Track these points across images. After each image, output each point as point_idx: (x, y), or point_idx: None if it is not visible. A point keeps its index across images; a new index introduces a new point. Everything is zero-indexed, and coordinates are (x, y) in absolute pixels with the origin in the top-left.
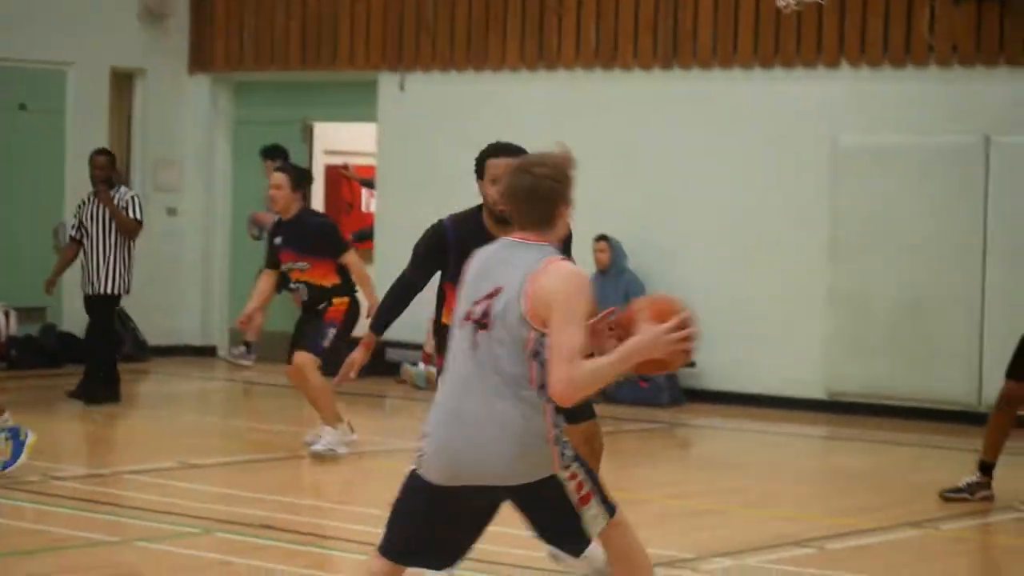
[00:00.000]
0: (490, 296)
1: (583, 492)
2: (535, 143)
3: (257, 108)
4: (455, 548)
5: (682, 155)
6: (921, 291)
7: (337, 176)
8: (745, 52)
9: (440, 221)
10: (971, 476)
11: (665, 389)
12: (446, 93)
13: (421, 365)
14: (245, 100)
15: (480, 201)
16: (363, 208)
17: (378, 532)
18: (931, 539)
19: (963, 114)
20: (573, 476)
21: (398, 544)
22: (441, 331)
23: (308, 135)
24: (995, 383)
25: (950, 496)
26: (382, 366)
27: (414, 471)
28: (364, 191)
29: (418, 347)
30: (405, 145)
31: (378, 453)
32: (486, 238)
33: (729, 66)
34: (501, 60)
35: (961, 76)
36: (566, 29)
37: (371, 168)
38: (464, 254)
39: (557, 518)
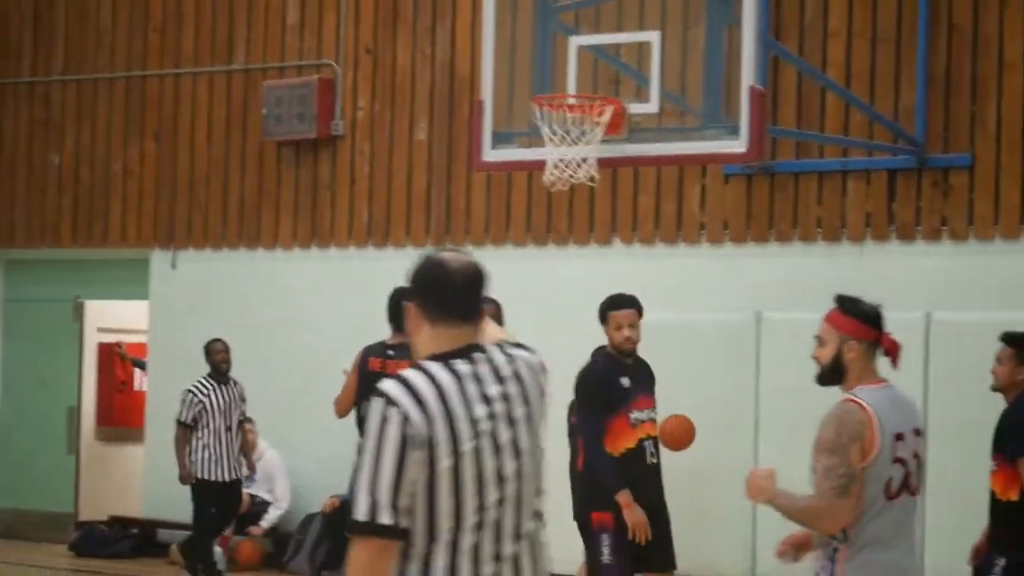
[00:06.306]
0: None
1: None
2: (307, 321)
3: (27, 286)
4: None
5: None
6: None
7: (110, 354)
8: (518, 230)
9: (591, 365)
10: None
11: None
12: (218, 271)
13: None
14: (15, 278)
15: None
16: (136, 387)
17: None
18: None
19: (734, 291)
20: None
21: None
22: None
23: (80, 313)
24: None
25: None
26: (152, 547)
27: None
28: (137, 371)
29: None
30: (177, 323)
31: None
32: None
33: (502, 244)
34: (274, 238)
35: (733, 252)
36: (339, 207)
37: (144, 346)
38: (610, 388)
39: None
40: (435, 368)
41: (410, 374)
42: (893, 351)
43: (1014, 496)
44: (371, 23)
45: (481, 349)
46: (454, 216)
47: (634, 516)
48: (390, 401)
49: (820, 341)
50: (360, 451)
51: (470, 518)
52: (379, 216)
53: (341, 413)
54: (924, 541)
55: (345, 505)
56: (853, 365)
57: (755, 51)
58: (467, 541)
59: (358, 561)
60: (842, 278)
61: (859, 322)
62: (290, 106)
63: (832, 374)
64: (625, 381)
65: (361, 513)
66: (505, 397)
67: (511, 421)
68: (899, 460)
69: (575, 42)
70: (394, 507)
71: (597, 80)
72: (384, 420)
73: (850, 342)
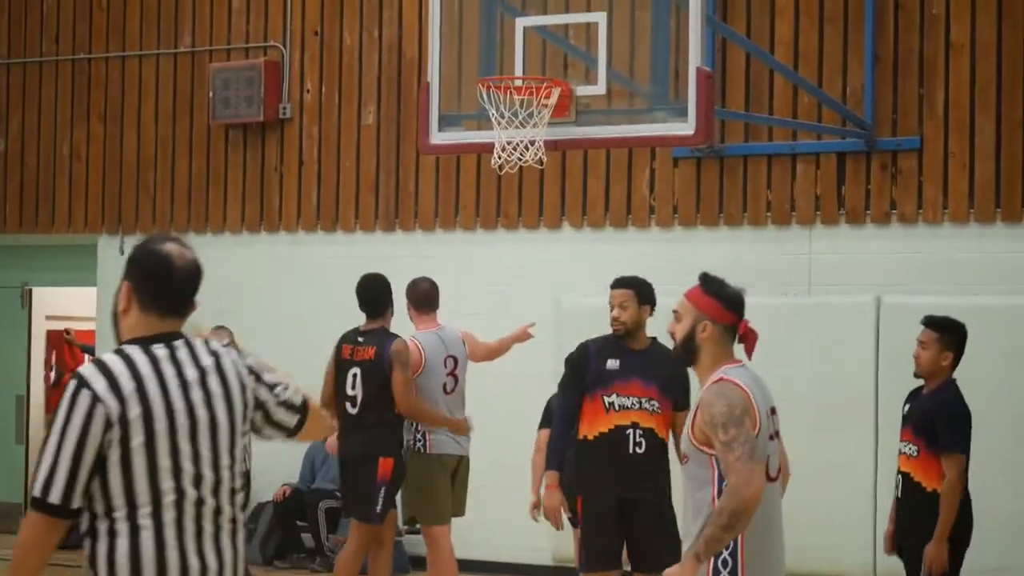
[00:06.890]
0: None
1: None
2: (256, 305)
3: None
4: None
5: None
6: None
7: (59, 342)
8: (467, 215)
9: (578, 345)
10: None
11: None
12: None
13: None
14: None
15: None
16: None
17: None
18: None
19: (683, 274)
20: None
21: None
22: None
23: (27, 300)
24: None
25: None
26: None
27: None
28: (87, 357)
29: None
30: None
31: None
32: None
33: (451, 228)
34: (222, 222)
35: (682, 236)
36: (287, 191)
37: (93, 333)
38: (588, 369)
39: None
40: (133, 350)
41: (107, 357)
42: (749, 339)
43: (940, 487)
44: (317, 5)
45: (182, 338)
46: (403, 200)
47: (547, 500)
48: (81, 383)
49: (676, 316)
50: (48, 429)
51: (168, 495)
52: (328, 200)
53: (324, 402)
54: (876, 521)
55: (297, 494)
56: (706, 346)
57: (702, 32)
58: (168, 516)
59: (24, 532)
60: (791, 262)
61: (718, 303)
62: (237, 89)
63: (684, 352)
64: (613, 363)
65: (36, 489)
66: (203, 385)
67: (211, 409)
68: (771, 437)
69: (522, 23)
70: (69, 487)
71: (546, 62)
72: (73, 402)
73: (704, 322)
